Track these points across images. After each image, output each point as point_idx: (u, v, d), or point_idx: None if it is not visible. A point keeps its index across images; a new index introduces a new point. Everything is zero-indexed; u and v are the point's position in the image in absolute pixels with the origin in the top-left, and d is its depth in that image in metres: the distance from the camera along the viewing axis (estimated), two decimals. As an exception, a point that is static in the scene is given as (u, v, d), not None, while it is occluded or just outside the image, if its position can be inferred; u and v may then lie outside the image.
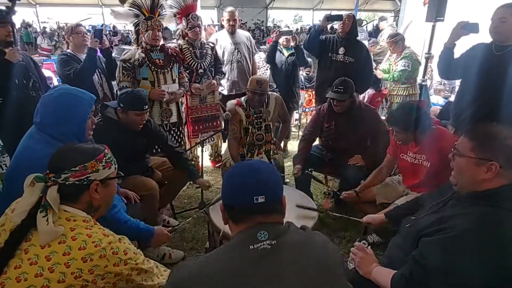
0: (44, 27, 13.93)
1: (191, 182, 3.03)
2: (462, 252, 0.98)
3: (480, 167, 1.06)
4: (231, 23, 3.39)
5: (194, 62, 2.97)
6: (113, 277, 0.93)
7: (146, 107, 2.09)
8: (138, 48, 2.61)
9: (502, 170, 1.03)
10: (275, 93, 2.81)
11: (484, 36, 2.16)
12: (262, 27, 16.13)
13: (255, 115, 2.60)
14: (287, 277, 0.78)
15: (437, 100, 5.02)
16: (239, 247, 0.84)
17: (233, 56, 3.43)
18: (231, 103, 2.64)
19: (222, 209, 0.94)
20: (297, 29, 13.97)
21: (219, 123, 3.23)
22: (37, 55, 8.69)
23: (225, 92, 3.56)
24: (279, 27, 10.80)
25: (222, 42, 3.43)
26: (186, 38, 2.95)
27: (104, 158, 1.07)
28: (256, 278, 0.78)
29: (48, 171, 1.01)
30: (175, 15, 2.83)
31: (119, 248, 0.95)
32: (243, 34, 3.57)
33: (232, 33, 3.43)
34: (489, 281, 0.95)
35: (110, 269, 0.92)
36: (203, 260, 0.85)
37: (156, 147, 2.69)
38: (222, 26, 3.92)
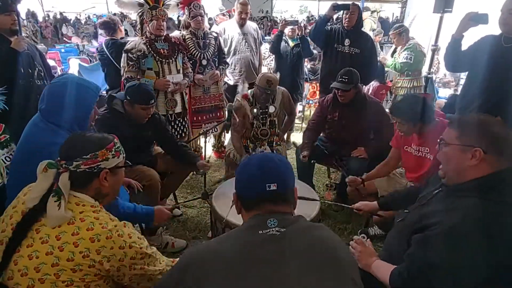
0: (77, 16, 14.01)
1: (194, 172, 3.06)
2: (453, 248, 0.99)
3: (465, 154, 1.08)
4: (242, 16, 3.36)
5: (197, 52, 2.95)
6: (117, 260, 0.96)
7: (153, 101, 2.11)
8: (142, 38, 2.60)
9: (487, 157, 1.05)
10: (282, 87, 2.78)
11: (493, 28, 2.11)
12: (269, 17, 15.79)
13: (260, 110, 2.60)
14: (292, 263, 0.81)
15: (445, 94, 4.89)
16: (248, 231, 0.88)
17: (240, 47, 3.41)
18: (239, 95, 2.65)
19: (235, 197, 0.97)
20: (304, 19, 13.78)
21: (222, 113, 3.23)
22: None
23: (230, 82, 3.56)
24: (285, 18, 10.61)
25: (229, 32, 3.41)
26: (189, 28, 2.93)
27: (114, 147, 1.10)
28: (261, 261, 0.80)
29: (59, 158, 1.04)
30: (178, 4, 2.81)
31: (124, 231, 0.99)
32: (250, 25, 3.55)
33: (241, 25, 3.41)
34: (483, 274, 0.97)
35: (116, 252, 0.95)
36: (214, 241, 0.91)
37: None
38: (230, 16, 3.89)
